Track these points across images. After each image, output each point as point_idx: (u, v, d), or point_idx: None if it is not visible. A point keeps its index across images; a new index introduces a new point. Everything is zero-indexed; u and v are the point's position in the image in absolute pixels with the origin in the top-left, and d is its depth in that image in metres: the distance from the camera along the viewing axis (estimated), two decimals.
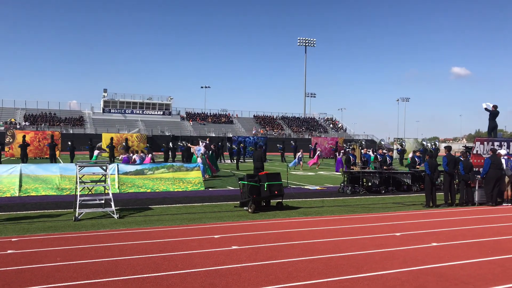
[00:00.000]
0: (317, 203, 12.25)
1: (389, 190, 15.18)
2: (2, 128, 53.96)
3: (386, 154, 17.44)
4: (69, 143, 27.56)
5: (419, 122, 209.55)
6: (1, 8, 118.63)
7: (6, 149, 33.62)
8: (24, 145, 24.46)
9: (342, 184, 15.14)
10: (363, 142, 30.58)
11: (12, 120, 60.14)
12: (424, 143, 39.61)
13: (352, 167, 15.84)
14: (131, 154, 22.98)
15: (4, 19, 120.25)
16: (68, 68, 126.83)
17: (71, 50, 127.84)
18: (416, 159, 17.62)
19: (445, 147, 13.16)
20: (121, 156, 22.63)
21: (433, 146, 35.19)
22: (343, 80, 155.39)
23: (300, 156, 26.82)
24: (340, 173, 22.44)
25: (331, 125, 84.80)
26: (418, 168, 16.64)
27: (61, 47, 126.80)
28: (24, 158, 23.89)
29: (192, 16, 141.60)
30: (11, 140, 34.61)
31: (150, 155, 22.47)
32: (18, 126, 56.36)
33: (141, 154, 22.16)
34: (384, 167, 15.82)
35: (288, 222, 9.22)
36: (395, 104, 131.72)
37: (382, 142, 43.76)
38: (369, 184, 15.52)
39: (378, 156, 17.65)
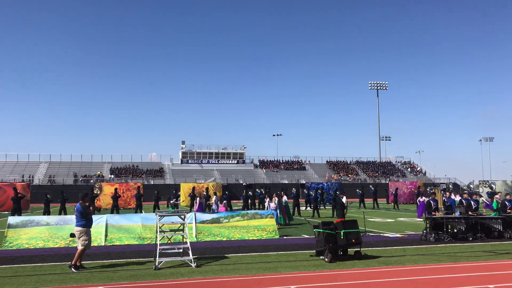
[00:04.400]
0: (398, 251, 11.62)
1: (477, 237, 14.04)
2: (92, 181, 58.13)
3: (471, 198, 16.31)
4: (156, 192, 29.13)
5: (506, 163, 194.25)
6: (88, 73, 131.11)
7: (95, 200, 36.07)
8: (116, 197, 26.21)
9: (424, 231, 14.28)
10: (450, 186, 28.89)
11: (99, 173, 64.66)
12: None
13: (433, 212, 14.95)
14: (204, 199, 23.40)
15: (92, 84, 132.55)
16: (149, 122, 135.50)
17: (152, 107, 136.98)
18: (507, 203, 16.27)
19: None
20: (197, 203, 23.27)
21: None
22: (419, 122, 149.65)
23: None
24: (421, 219, 21.27)
25: (409, 169, 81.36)
26: (509, 213, 15.31)
27: (143, 105, 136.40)
28: (115, 209, 25.44)
29: (260, 69, 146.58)
30: (98, 192, 37.18)
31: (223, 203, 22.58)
32: (105, 179, 60.42)
33: (215, 199, 22.46)
34: (470, 212, 14.76)
35: (368, 272, 8.81)
36: (477, 144, 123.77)
37: (471, 186, 40.96)
38: (454, 230, 14.49)
39: (463, 201, 16.53)
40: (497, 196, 18.58)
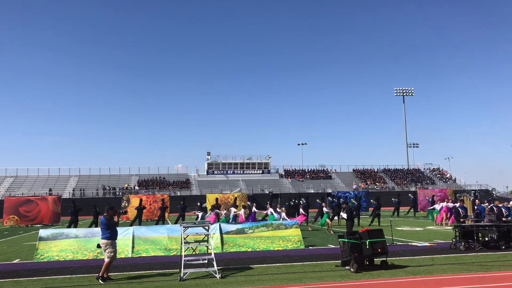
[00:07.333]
0: (426, 261, 11.35)
1: (510, 246, 13.58)
2: (120, 193, 59.12)
3: (502, 205, 15.83)
4: (182, 202, 28.99)
5: None
6: (115, 90, 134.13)
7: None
8: (140, 208, 26.23)
9: (453, 240, 13.92)
10: (476, 194, 28.32)
11: (126, 185, 65.68)
12: None
13: (461, 220, 14.58)
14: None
15: (119, 101, 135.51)
16: (175, 135, 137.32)
17: (177, 119, 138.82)
18: None
19: None
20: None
21: None
22: (448, 128, 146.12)
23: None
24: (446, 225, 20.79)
25: (438, 176, 79.57)
26: None
27: (168, 118, 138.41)
28: (137, 220, 25.58)
29: (284, 78, 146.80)
30: (126, 204, 37.77)
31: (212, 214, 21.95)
32: (132, 191, 61.36)
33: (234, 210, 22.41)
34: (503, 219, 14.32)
35: (395, 282, 8.63)
36: (510, 150, 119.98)
37: (494, 192, 39.96)
38: (486, 239, 14.06)
39: (494, 208, 16.06)
40: None
